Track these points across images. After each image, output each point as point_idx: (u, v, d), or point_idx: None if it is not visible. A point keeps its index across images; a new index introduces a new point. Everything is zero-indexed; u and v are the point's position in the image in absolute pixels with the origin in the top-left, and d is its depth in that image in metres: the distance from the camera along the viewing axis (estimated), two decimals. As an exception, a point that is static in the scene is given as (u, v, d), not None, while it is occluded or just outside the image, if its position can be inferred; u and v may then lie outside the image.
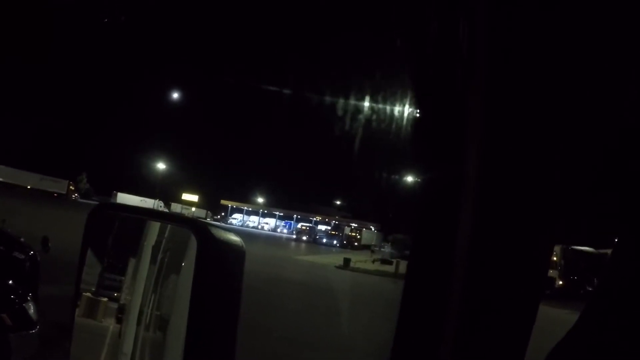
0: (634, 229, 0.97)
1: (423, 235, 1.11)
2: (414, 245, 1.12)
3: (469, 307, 1.03)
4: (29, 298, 6.47)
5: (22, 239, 7.67)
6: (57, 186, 73.35)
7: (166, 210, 58.90)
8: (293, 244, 68.46)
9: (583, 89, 1.01)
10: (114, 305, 1.72)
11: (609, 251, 1.04)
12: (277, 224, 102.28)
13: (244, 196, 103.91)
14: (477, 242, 1.02)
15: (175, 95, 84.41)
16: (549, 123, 1.00)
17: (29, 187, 67.59)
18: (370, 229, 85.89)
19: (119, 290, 1.74)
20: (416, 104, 1.13)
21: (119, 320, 1.71)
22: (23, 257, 7.17)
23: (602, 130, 1.02)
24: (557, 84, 1.00)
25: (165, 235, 1.61)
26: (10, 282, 6.55)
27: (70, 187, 75.47)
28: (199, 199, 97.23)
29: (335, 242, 75.15)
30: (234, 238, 1.37)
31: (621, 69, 1.00)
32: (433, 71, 1.08)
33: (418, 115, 1.12)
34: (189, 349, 1.27)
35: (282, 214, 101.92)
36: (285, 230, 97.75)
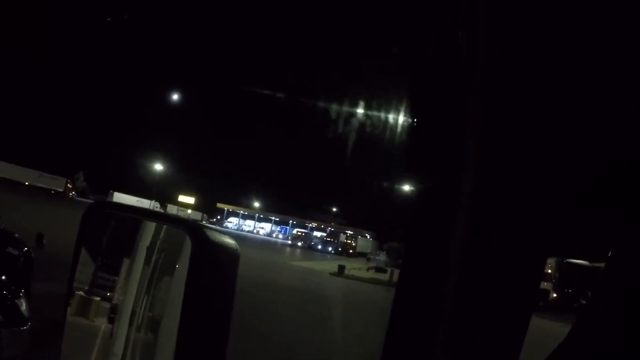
0: (630, 237, 0.97)
1: (417, 242, 1.11)
2: (407, 252, 1.12)
3: (461, 316, 1.02)
4: (21, 294, 6.44)
5: (16, 235, 7.65)
6: (56, 183, 73.37)
7: (162, 211, 58.83)
8: (288, 249, 68.39)
9: (584, 94, 1.00)
10: (107, 305, 1.72)
11: (603, 265, 1.04)
12: (273, 229, 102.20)
13: (240, 200, 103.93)
14: (471, 250, 1.01)
15: (175, 97, 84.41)
16: (549, 128, 1.00)
17: (27, 183, 67.57)
18: (366, 236, 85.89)
19: (112, 290, 1.73)
20: (413, 110, 1.12)
21: (111, 320, 1.70)
22: (17, 253, 7.15)
23: (602, 135, 1.02)
24: (558, 87, 0.99)
25: (160, 236, 1.61)
26: (3, 277, 6.52)
27: (68, 185, 75.46)
28: (195, 201, 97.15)
29: (330, 249, 75.12)
30: (228, 241, 1.36)
31: (622, 72, 1.00)
32: (432, 73, 1.07)
33: (415, 121, 1.12)
34: (180, 350, 1.26)
35: (277, 219, 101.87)
36: (280, 236, 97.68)
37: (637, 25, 0.96)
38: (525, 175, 1.01)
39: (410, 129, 1.14)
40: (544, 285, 31.78)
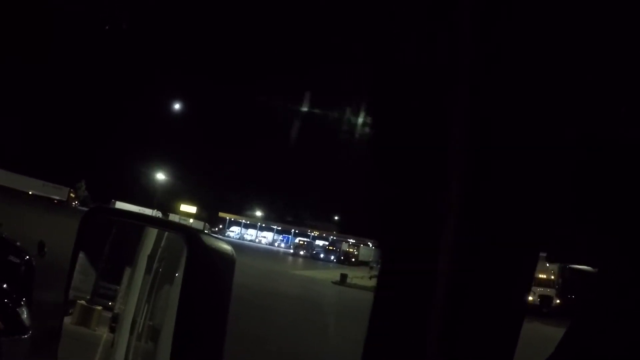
0: (626, 239, 0.97)
1: (401, 244, 1.09)
2: (389, 255, 1.10)
3: (450, 321, 1.01)
4: (22, 302, 6.43)
5: (18, 243, 7.65)
6: (59, 193, 73.68)
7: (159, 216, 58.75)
8: (290, 258, 68.34)
9: (575, 94, 1.00)
10: (108, 314, 1.71)
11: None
12: (275, 238, 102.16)
13: (242, 209, 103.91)
14: (461, 252, 1.00)
15: (177, 106, 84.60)
16: (539, 128, 1.00)
17: (30, 192, 67.77)
18: (368, 245, 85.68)
19: (113, 299, 1.73)
20: (397, 111, 1.10)
21: (113, 330, 1.70)
22: (18, 261, 7.15)
23: (593, 136, 1.02)
24: (548, 86, 0.99)
25: (161, 244, 1.61)
26: (4, 285, 6.52)
27: (71, 194, 75.72)
28: (197, 210, 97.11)
29: (332, 257, 75.02)
30: (224, 246, 1.36)
31: (613, 72, 1.00)
32: (420, 73, 1.06)
33: (399, 122, 1.10)
34: (175, 352, 1.25)
35: (280, 228, 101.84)
36: (282, 245, 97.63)
37: (626, 27, 0.96)
38: (515, 177, 1.00)
39: (394, 130, 1.12)
40: (547, 291, 31.80)
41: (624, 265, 0.97)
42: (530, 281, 1.07)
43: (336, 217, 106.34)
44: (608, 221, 1.02)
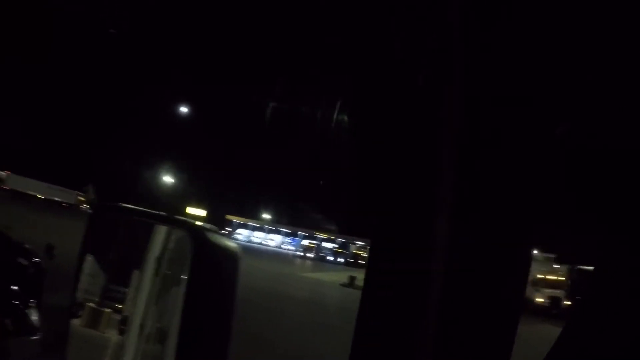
0: (623, 239, 0.97)
1: (393, 245, 1.08)
2: (378, 255, 1.09)
3: (446, 322, 1.00)
4: (32, 304, 6.46)
5: (27, 246, 7.68)
6: (68, 197, 74.26)
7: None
8: (298, 260, 68.35)
9: (571, 95, 1.00)
10: (117, 317, 1.72)
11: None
12: (283, 240, 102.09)
13: (249, 212, 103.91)
14: (455, 254, 1.00)
15: (185, 110, 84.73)
16: (531, 132, 0.99)
17: (42, 197, 68.29)
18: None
19: (122, 301, 1.74)
20: (394, 113, 1.10)
21: (122, 332, 1.70)
22: (27, 263, 7.18)
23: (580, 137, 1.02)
24: (544, 89, 0.99)
25: (169, 247, 1.61)
26: (14, 287, 6.55)
27: (80, 197, 76.20)
28: (207, 214, 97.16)
29: (341, 259, 74.96)
30: (230, 244, 1.37)
31: (617, 79, 0.99)
32: (420, 78, 1.05)
33: (394, 123, 1.09)
34: (181, 349, 1.26)
35: (288, 230, 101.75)
36: (291, 247, 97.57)
37: (609, 34, 0.96)
38: (507, 177, 1.00)
39: (385, 129, 1.11)
40: (556, 292, 31.77)
41: (620, 265, 0.96)
42: (524, 281, 1.07)
43: (345, 220, 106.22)
44: (610, 222, 1.01)
